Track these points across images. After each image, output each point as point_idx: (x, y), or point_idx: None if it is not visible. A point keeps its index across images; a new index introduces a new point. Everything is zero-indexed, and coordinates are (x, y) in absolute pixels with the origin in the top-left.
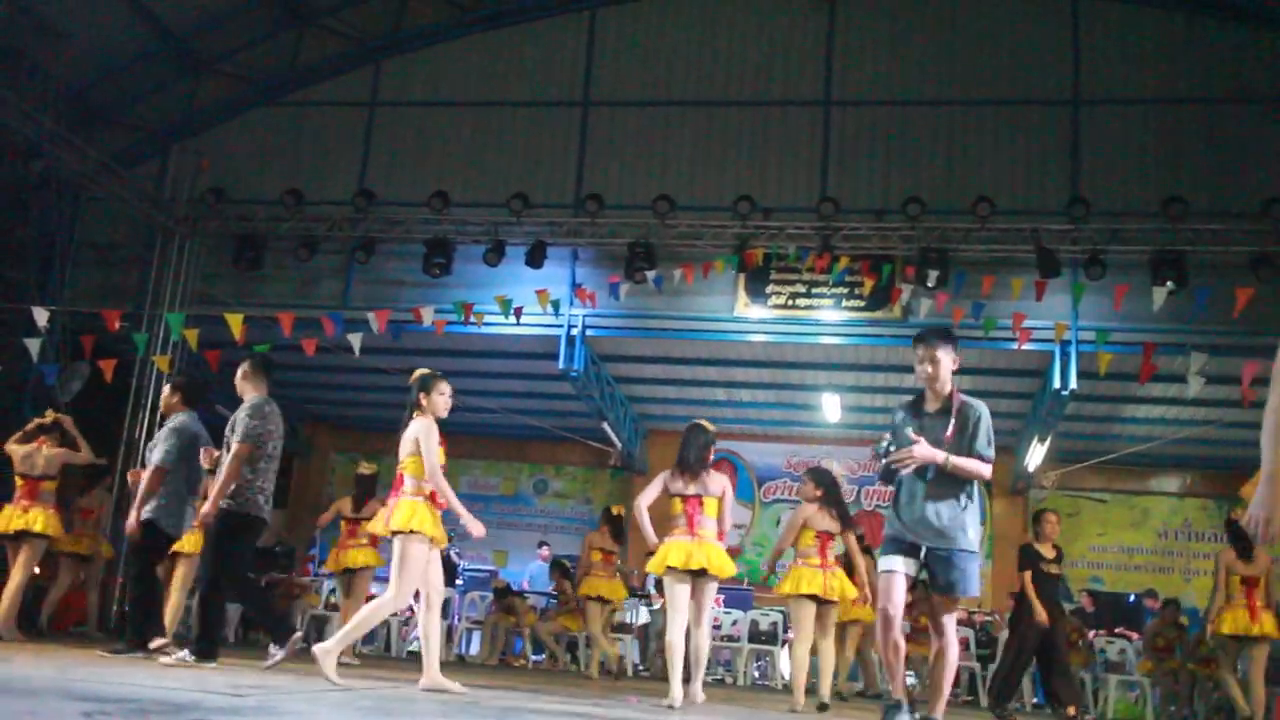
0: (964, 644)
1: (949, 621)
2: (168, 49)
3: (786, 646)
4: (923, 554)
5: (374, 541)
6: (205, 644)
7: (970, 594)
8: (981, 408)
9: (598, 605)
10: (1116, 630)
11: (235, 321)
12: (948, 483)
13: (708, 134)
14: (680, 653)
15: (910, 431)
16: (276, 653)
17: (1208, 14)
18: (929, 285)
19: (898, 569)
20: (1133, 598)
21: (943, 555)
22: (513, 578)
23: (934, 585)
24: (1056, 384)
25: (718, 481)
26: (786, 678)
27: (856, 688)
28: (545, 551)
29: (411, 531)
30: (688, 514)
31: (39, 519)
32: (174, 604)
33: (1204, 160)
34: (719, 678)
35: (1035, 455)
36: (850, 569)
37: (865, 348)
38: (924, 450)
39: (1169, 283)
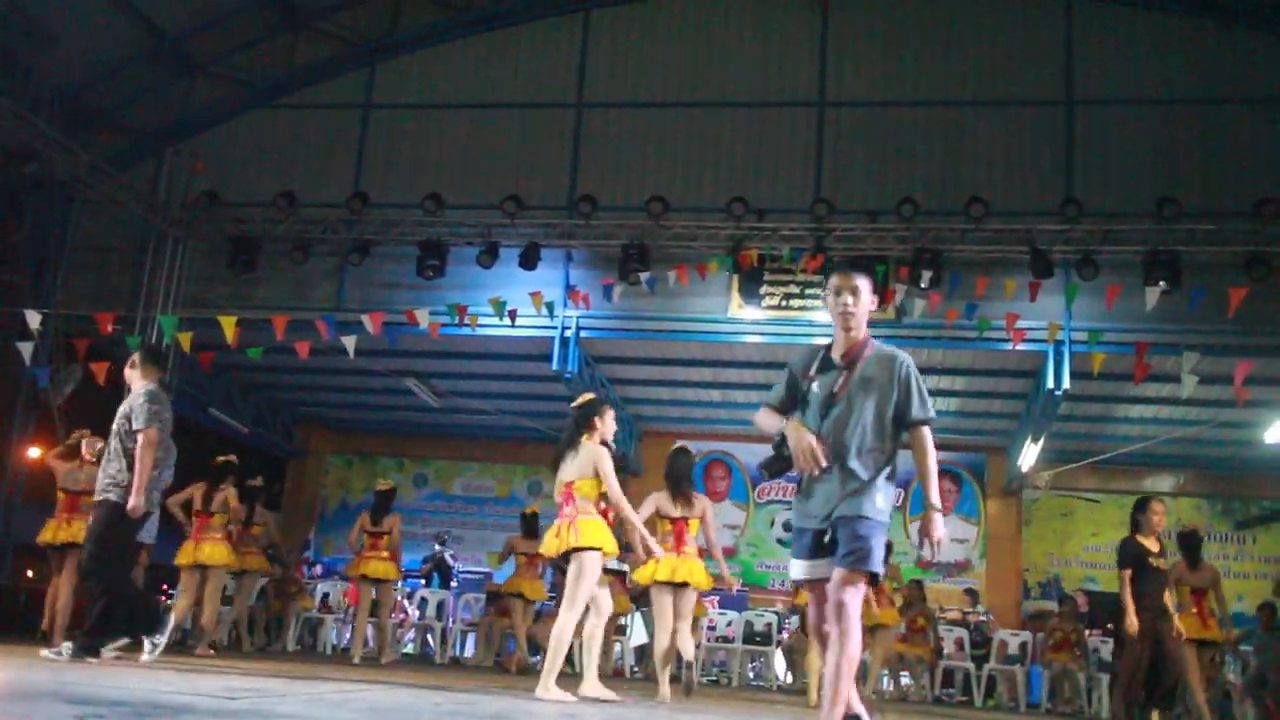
0: (959, 644)
1: (850, 599)
2: (162, 51)
3: (780, 647)
4: (827, 538)
5: (393, 556)
6: (94, 639)
7: (874, 568)
8: (907, 359)
9: (521, 603)
10: (1108, 626)
11: (229, 324)
12: (864, 454)
13: (701, 135)
14: (667, 658)
15: (812, 401)
16: (64, 649)
17: (1201, 15)
18: (923, 286)
19: (813, 576)
20: None
21: (844, 523)
22: (505, 578)
23: (834, 557)
24: (1050, 384)
25: (699, 504)
26: (781, 678)
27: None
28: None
29: (592, 549)
30: (676, 533)
31: (82, 531)
32: (207, 614)
33: (1197, 160)
34: (714, 678)
35: (1029, 455)
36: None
37: None
38: (937, 529)
39: (1162, 283)
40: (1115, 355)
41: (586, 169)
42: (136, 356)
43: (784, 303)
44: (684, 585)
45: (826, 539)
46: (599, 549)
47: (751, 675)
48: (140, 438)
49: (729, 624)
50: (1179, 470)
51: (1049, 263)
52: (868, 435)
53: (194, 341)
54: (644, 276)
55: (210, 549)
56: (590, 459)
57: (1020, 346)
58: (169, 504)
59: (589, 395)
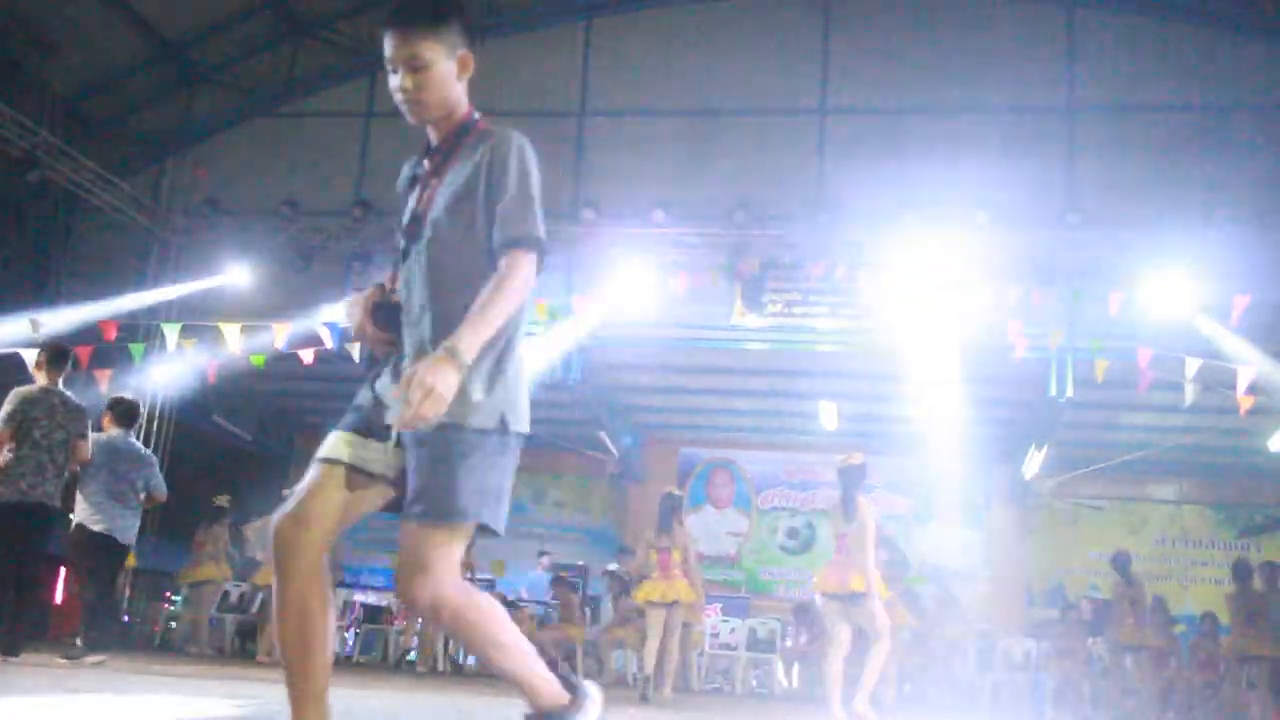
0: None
1: (437, 584)
2: (164, 60)
3: (782, 655)
4: (391, 426)
5: None
6: None
7: (465, 518)
8: (517, 140)
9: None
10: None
11: (231, 332)
12: (454, 313)
13: (703, 143)
14: (655, 660)
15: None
16: None
17: (1201, 24)
18: None
19: (340, 456)
20: None
21: (416, 441)
22: (508, 587)
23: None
24: (1053, 391)
25: (681, 535)
26: (785, 685)
27: None
28: (545, 560)
29: (874, 593)
30: (661, 563)
31: None
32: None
33: (1198, 167)
34: (716, 686)
35: (1033, 463)
36: None
37: (862, 355)
38: (434, 375)
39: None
40: (1118, 362)
41: (589, 176)
42: (37, 358)
43: (787, 309)
44: (674, 603)
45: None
46: (878, 593)
47: (755, 683)
48: None
49: (732, 631)
50: (1182, 478)
51: (1051, 270)
52: (467, 279)
53: (196, 350)
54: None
55: None
56: (864, 512)
57: (1023, 354)
58: (246, 530)
59: (859, 456)
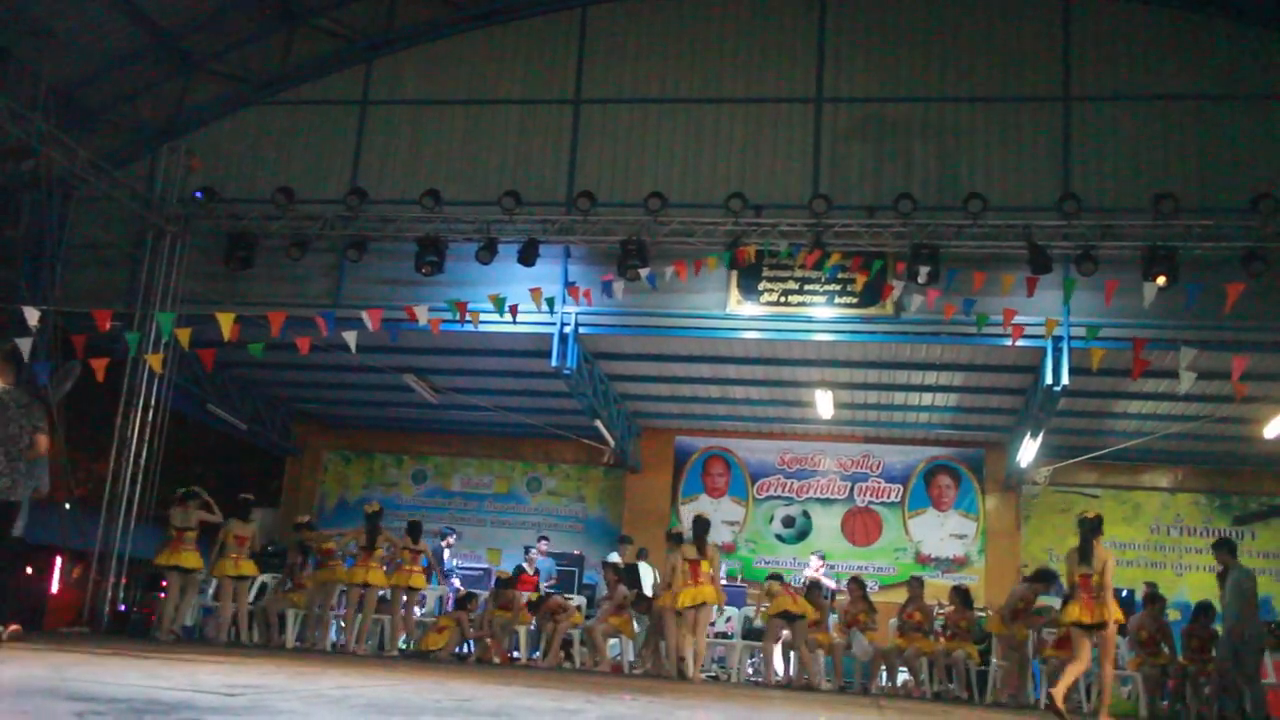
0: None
1: None
2: (158, 48)
3: (779, 643)
4: None
5: (427, 571)
6: None
7: None
8: None
9: (404, 593)
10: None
11: (226, 320)
12: None
13: (699, 131)
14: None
15: None
16: None
17: (1197, 11)
18: (920, 281)
19: None
20: (1125, 593)
21: None
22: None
23: None
24: (1048, 379)
25: (711, 550)
26: (780, 674)
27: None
28: (543, 545)
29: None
30: (691, 571)
31: (187, 558)
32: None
33: (1194, 156)
34: (713, 674)
35: (1028, 451)
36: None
37: (857, 344)
38: None
39: (1160, 278)
40: (1113, 351)
41: (585, 165)
42: None
43: (782, 298)
44: (701, 605)
45: None
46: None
47: (750, 671)
48: None
49: (728, 620)
50: (1177, 466)
51: (1047, 258)
52: None
53: (192, 338)
54: (644, 273)
55: (374, 574)
56: (1103, 557)
57: (1019, 342)
58: (340, 542)
59: (1094, 510)
